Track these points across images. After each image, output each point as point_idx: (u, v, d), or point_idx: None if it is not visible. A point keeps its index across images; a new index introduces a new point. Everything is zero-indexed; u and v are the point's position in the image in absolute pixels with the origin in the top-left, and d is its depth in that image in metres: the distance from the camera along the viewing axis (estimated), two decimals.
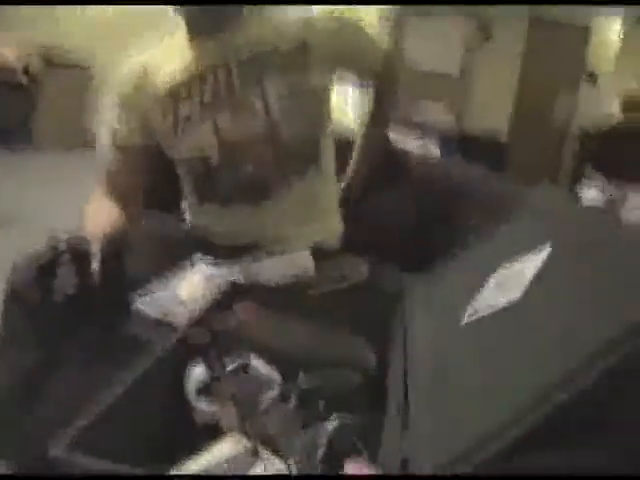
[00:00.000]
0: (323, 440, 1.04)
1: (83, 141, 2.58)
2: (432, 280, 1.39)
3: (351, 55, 1.79)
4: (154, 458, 1.00)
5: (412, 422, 0.94)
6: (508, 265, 1.15)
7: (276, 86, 1.66)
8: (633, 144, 4.52)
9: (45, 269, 1.37)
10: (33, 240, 1.36)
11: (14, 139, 6.24)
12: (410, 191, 2.01)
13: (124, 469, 0.91)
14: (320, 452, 1.03)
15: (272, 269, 1.62)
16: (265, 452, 0.97)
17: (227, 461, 0.95)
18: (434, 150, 4.38)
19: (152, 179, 1.81)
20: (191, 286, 1.51)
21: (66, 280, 1.37)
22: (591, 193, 4.83)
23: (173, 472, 0.94)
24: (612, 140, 4.87)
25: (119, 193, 1.73)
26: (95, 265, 1.34)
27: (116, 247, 1.42)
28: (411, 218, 1.98)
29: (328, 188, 1.87)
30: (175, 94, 1.69)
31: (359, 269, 1.61)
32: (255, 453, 0.96)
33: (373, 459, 1.00)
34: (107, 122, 1.76)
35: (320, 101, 1.76)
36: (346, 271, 1.60)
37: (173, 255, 1.60)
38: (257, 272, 1.59)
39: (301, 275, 1.59)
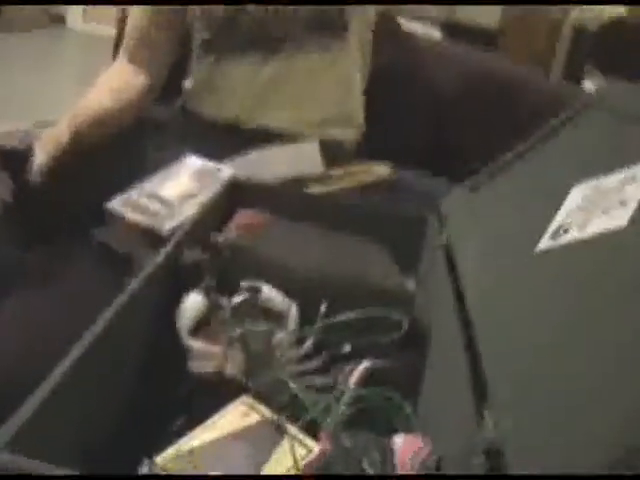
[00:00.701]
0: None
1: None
2: (474, 193, 1.12)
3: None
4: (137, 426, 0.75)
5: (492, 389, 0.67)
6: (592, 180, 0.88)
7: None
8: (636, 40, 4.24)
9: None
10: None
11: None
12: (430, 82, 1.73)
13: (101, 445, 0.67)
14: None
15: (274, 161, 1.36)
16: (291, 426, 0.72)
17: (241, 435, 0.70)
18: (436, 33, 4.08)
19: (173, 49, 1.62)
20: (179, 184, 1.24)
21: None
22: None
23: (164, 448, 0.68)
24: (612, 35, 4.58)
25: (142, 56, 1.58)
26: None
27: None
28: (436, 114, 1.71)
29: (352, 73, 1.65)
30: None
31: (379, 170, 1.35)
32: (279, 427, 0.71)
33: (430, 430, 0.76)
34: None
35: None
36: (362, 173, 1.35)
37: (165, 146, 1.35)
38: (257, 165, 1.33)
39: (308, 171, 1.33)
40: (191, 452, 0.67)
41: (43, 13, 6.68)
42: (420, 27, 3.68)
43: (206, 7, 1.54)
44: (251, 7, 1.49)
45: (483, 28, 5.90)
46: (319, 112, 1.56)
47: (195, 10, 1.57)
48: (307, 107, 1.55)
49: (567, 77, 5.18)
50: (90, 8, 6.87)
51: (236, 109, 1.57)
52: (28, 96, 4.41)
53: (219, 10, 1.51)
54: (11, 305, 1.16)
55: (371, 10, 1.66)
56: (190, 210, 1.17)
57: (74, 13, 6.95)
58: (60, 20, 6.91)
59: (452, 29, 5.48)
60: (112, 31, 2.05)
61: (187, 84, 1.70)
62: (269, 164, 1.36)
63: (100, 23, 6.51)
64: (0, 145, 1.16)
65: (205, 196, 1.18)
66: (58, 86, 4.90)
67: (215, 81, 1.60)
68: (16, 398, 0.61)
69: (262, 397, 0.78)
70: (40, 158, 1.25)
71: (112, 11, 6.29)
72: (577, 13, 5.70)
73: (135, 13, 1.60)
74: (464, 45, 2.10)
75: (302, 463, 0.67)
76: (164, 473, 0.63)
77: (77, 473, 0.53)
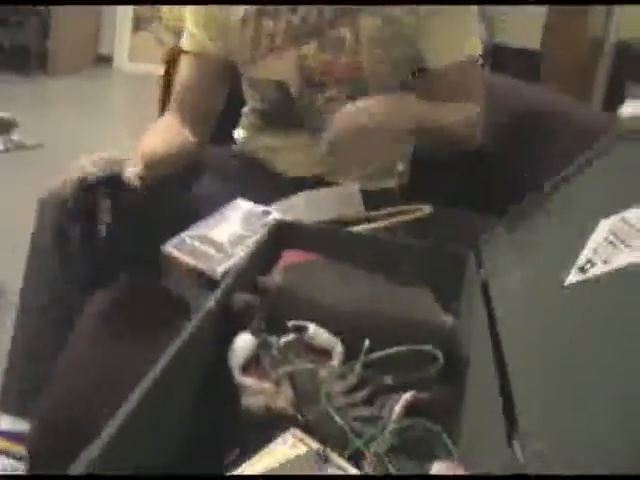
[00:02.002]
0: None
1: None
2: (510, 230, 1.17)
3: None
4: (194, 459, 0.81)
5: (521, 417, 0.72)
6: (620, 213, 0.93)
7: (369, 21, 1.52)
8: None
9: (73, 205, 1.26)
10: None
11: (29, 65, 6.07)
12: None
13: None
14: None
15: (317, 204, 1.42)
16: (335, 456, 0.78)
17: (289, 466, 0.76)
18: None
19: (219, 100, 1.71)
20: (229, 227, 1.31)
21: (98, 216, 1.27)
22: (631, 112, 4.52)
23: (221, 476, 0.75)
24: None
25: (190, 107, 1.66)
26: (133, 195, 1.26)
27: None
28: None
29: None
30: (262, 11, 1.57)
31: (420, 209, 1.40)
32: (324, 457, 0.76)
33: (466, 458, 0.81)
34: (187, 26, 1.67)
35: (411, 44, 1.58)
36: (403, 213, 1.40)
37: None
38: (300, 208, 1.39)
39: (349, 214, 1.39)
40: None
41: (89, 54, 6.82)
42: None
43: (261, 85, 1.64)
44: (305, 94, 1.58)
45: (524, 49, 5.91)
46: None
47: (247, 90, 1.68)
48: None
49: (609, 94, 5.15)
50: (136, 47, 7.00)
51: (285, 165, 1.67)
52: (78, 137, 4.51)
53: (273, 93, 1.59)
54: (74, 341, 1.24)
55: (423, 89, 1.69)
56: (240, 252, 1.24)
57: (120, 53, 7.09)
58: (106, 60, 7.06)
59: (493, 52, 5.49)
60: (158, 69, 2.13)
61: (237, 134, 1.77)
62: (312, 207, 1.42)
63: (146, 62, 6.63)
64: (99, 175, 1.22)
65: (254, 238, 1.25)
66: (107, 126, 5.00)
67: (264, 139, 1.69)
68: (75, 430, 0.68)
69: (310, 429, 0.83)
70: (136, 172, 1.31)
71: (158, 50, 6.45)
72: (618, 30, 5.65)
73: (183, 65, 1.68)
74: (505, 76, 2.12)
75: None
76: None
77: None
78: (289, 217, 1.34)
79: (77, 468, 0.60)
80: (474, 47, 1.60)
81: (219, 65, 1.66)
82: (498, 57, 5.33)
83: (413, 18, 1.52)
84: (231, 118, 1.79)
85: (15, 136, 4.27)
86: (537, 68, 5.35)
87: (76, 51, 6.54)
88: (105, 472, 0.63)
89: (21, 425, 1.36)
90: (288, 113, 1.63)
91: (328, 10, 1.53)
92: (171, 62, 1.99)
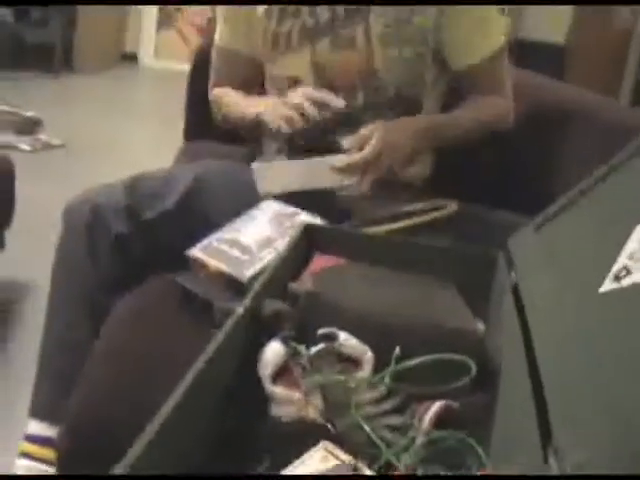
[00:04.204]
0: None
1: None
2: (540, 232, 1.15)
3: None
4: (224, 469, 0.80)
5: (556, 428, 0.70)
6: None
7: (379, 21, 1.55)
8: None
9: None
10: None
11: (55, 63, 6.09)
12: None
13: None
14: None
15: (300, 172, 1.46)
16: (366, 468, 0.77)
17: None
18: None
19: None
20: (257, 229, 1.30)
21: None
22: None
23: None
24: None
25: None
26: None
27: None
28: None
29: None
30: (282, 9, 1.63)
31: (447, 206, 1.39)
32: (356, 468, 0.75)
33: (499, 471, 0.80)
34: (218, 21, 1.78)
35: (426, 43, 1.60)
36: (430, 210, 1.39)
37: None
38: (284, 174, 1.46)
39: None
40: None
41: (115, 52, 6.85)
42: None
43: (279, 82, 1.69)
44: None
45: (548, 43, 5.86)
46: None
47: (270, 90, 1.73)
48: None
49: (639, 89, 5.10)
50: (161, 45, 7.03)
51: None
52: (104, 135, 4.53)
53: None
54: (102, 339, 1.24)
55: (442, 85, 1.71)
56: (268, 255, 1.23)
57: (146, 50, 7.12)
58: (132, 58, 7.09)
59: (518, 47, 5.45)
60: (184, 67, 2.16)
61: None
62: (295, 174, 1.45)
63: (172, 59, 6.67)
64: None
65: (282, 241, 1.24)
66: (134, 124, 5.02)
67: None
68: (104, 432, 0.68)
69: (340, 440, 0.82)
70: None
71: (183, 48, 6.47)
72: None
73: (216, 59, 1.79)
74: (530, 72, 2.11)
75: None
76: None
77: None
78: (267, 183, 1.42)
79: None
80: (496, 42, 1.60)
81: (248, 61, 1.73)
82: (521, 52, 5.30)
83: (424, 19, 1.52)
84: None
85: (41, 135, 4.29)
86: (561, 63, 5.31)
87: (102, 49, 6.56)
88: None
89: (51, 430, 1.37)
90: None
91: (340, 9, 1.56)
92: (197, 60, 2.00)
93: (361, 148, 1.42)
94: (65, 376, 1.35)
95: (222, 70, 1.80)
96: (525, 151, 1.83)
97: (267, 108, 1.53)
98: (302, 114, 1.44)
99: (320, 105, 1.46)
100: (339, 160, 1.41)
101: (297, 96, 1.47)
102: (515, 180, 1.81)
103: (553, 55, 5.70)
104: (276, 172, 1.48)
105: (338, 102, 1.47)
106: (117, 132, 4.67)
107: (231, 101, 1.71)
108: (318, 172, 1.43)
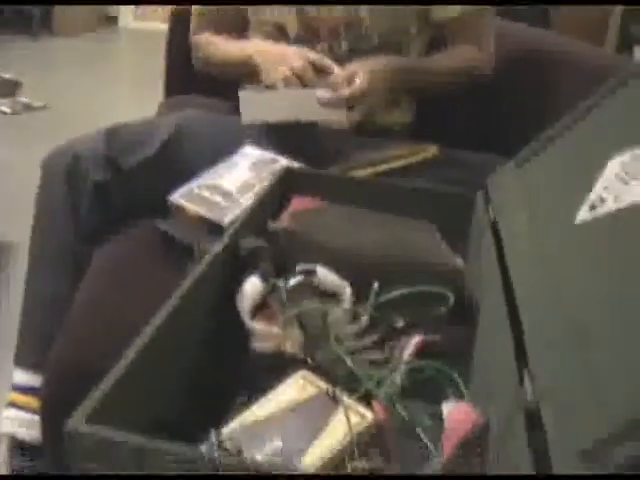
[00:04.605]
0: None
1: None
2: (519, 170, 1.14)
3: None
4: (204, 402, 0.81)
5: (532, 357, 0.71)
6: (630, 149, 0.90)
7: None
8: None
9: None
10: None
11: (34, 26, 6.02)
12: None
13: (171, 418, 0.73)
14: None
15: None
16: (345, 395, 0.77)
17: (299, 407, 0.75)
18: None
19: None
20: (238, 175, 1.30)
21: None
22: None
23: (229, 420, 0.74)
24: None
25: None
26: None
27: None
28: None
29: None
30: None
31: (426, 150, 1.39)
32: (335, 398, 0.76)
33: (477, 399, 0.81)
34: None
35: None
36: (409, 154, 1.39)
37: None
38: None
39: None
40: (254, 424, 0.73)
41: (94, 14, 6.77)
42: None
43: (264, 26, 1.65)
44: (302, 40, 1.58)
45: None
46: None
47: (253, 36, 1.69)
48: None
49: (622, 39, 5.07)
50: (141, 6, 6.98)
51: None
52: (85, 97, 4.49)
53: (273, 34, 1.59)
54: (83, 289, 1.23)
55: (426, 35, 1.70)
56: (249, 201, 1.23)
57: (126, 12, 7.06)
58: (112, 20, 7.03)
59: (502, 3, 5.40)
60: (164, 27, 2.13)
61: None
62: (281, 105, 1.45)
63: (152, 20, 6.62)
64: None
65: (262, 186, 1.24)
66: (114, 85, 4.97)
67: None
68: (85, 378, 0.68)
69: (319, 372, 0.83)
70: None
71: (163, 7, 6.39)
72: None
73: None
74: (515, 22, 2.09)
75: (356, 430, 0.72)
76: (230, 443, 0.68)
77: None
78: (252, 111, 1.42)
79: (84, 409, 0.60)
80: None
81: (231, 7, 1.71)
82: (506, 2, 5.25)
83: None
84: None
85: (21, 97, 4.25)
86: (547, 15, 5.26)
87: (81, 11, 6.48)
88: (111, 415, 0.62)
89: (36, 379, 1.37)
90: None
91: None
92: (176, 16, 1.98)
93: (349, 83, 1.42)
94: (47, 327, 1.35)
95: (204, 14, 1.77)
96: (508, 98, 1.82)
97: (266, 57, 1.52)
98: (299, 77, 1.43)
99: (318, 71, 1.45)
100: (327, 93, 1.41)
101: (299, 59, 1.45)
102: (498, 127, 1.80)
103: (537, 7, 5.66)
104: (262, 101, 1.47)
105: (336, 69, 1.45)
106: (98, 93, 4.62)
107: (218, 41, 1.70)
108: (305, 104, 1.43)
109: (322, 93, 1.41)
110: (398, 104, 1.66)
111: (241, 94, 1.46)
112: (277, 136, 1.45)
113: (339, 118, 1.43)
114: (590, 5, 4.96)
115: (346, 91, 1.41)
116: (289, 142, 1.43)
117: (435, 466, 0.71)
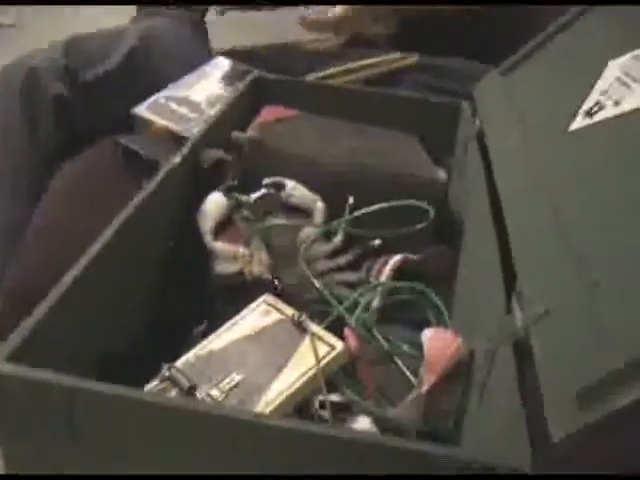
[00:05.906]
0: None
1: None
2: (507, 77, 1.05)
3: None
4: (158, 332, 0.73)
5: (522, 279, 0.63)
6: (629, 54, 0.82)
7: None
8: None
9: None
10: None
11: None
12: None
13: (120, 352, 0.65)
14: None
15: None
16: (314, 322, 0.70)
17: (261, 336, 0.68)
18: None
19: None
20: (208, 86, 1.21)
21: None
22: None
23: (187, 350, 0.67)
24: None
25: None
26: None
27: None
28: None
29: None
30: None
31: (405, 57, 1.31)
32: (301, 325, 0.68)
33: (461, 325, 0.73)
34: None
35: None
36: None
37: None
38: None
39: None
40: (210, 355, 0.65)
41: None
42: None
43: None
44: None
45: None
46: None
47: None
48: None
49: None
50: None
51: None
52: (59, 14, 4.34)
53: None
54: (39, 213, 1.16)
55: None
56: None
57: None
58: None
59: None
60: None
61: None
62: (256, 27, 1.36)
63: None
64: None
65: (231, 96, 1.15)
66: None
67: None
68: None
69: (288, 296, 0.76)
70: None
71: None
72: None
73: None
74: None
75: (324, 361, 0.65)
76: (183, 377, 0.61)
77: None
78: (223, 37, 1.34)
79: (7, 346, 0.52)
80: None
81: None
82: None
83: None
84: None
85: None
86: None
87: None
88: (43, 351, 0.54)
89: None
90: None
91: None
92: None
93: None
94: (1, 256, 1.27)
95: None
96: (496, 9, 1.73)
97: None
98: None
99: None
100: (312, 14, 1.31)
101: None
102: (484, 37, 1.71)
103: None
104: (234, 25, 1.37)
105: None
106: (69, 10, 4.46)
107: None
108: (284, 25, 1.33)
109: (306, 13, 1.31)
110: (382, 16, 1.56)
111: (207, 19, 1.36)
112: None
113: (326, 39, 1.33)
114: None
115: (336, 10, 1.31)
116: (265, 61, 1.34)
117: (414, 400, 0.64)
